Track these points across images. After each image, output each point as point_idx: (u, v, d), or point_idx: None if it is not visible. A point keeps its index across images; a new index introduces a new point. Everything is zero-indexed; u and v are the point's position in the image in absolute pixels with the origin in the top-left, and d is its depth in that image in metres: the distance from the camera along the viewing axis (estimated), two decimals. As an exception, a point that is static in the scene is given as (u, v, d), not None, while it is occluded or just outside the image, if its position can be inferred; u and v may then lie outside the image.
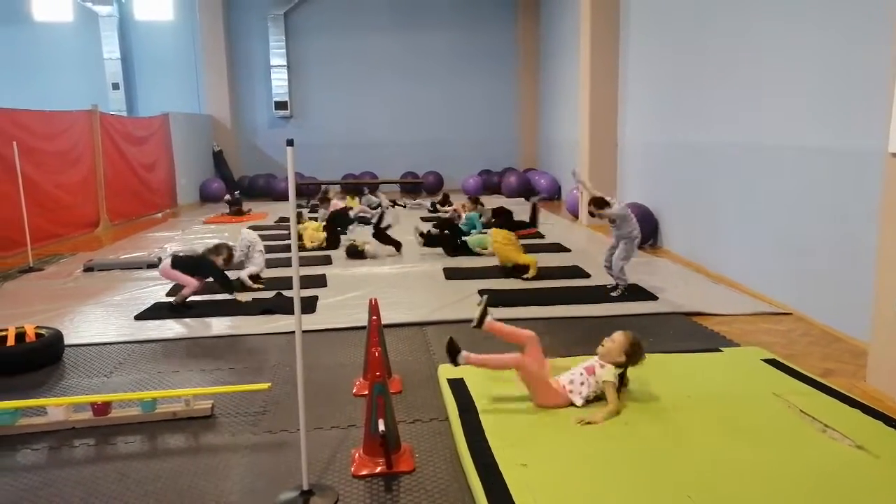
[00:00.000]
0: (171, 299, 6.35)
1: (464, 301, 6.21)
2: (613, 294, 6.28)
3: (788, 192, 5.96)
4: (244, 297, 5.96)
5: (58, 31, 16.77)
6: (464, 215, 10.14)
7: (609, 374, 3.78)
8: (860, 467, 3.11)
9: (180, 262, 6.16)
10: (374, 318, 4.07)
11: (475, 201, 10.82)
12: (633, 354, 3.84)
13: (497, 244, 7.49)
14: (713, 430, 3.49)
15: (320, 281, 7.12)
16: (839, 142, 5.25)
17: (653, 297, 6.24)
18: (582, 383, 3.80)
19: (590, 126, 10.76)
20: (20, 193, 8.15)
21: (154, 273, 7.79)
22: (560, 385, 3.83)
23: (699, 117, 7.84)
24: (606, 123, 10.69)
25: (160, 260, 8.11)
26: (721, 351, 4.76)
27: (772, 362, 4.47)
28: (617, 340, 3.86)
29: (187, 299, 6.12)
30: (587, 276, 7.26)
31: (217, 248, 6.35)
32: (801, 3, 5.76)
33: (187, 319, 5.83)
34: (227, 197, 13.42)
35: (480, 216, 9.97)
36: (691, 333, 5.31)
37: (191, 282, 6.07)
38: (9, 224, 8.65)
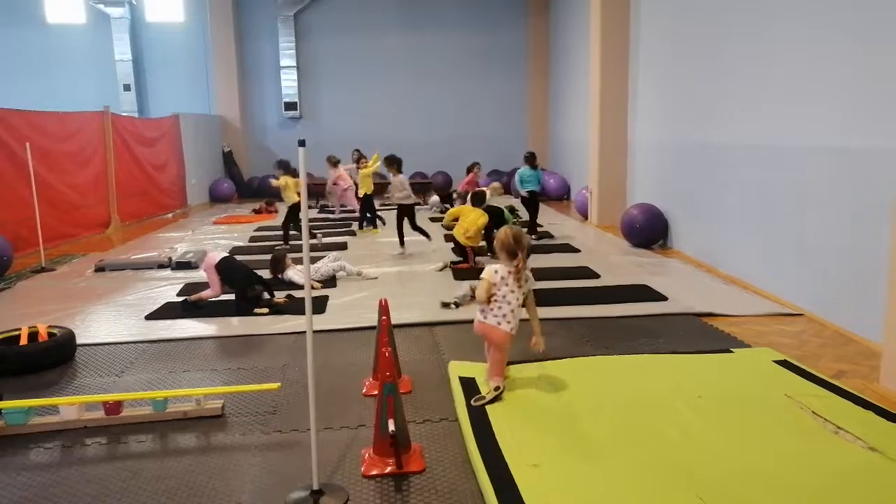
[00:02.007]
0: (181, 299, 6.37)
1: (473, 302, 6.21)
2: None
3: (800, 192, 5.92)
4: (262, 311, 5.97)
5: (70, 33, 16.89)
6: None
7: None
8: (874, 469, 3.08)
9: (227, 267, 6.06)
10: (384, 318, 4.07)
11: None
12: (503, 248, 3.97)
13: (467, 220, 7.57)
14: (724, 431, 3.47)
15: (330, 281, 7.13)
16: (852, 142, 5.21)
17: (663, 298, 6.22)
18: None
19: (600, 126, 10.74)
20: (33, 194, 8.22)
21: (165, 273, 7.85)
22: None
23: (710, 118, 7.80)
24: (617, 123, 10.66)
25: (170, 260, 8.18)
26: (732, 352, 4.73)
27: (783, 363, 4.45)
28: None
29: (201, 300, 6.15)
30: (596, 276, 7.24)
31: (276, 260, 6.78)
32: (816, 2, 5.73)
33: (197, 319, 5.85)
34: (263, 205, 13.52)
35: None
36: (702, 334, 5.28)
37: (216, 289, 6.07)
38: (21, 224, 8.73)
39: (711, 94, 7.75)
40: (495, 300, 3.93)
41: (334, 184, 12.21)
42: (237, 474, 3.24)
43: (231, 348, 5.16)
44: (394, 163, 8.89)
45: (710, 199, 7.76)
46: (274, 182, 9.88)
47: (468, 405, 3.80)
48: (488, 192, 9.92)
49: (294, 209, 9.57)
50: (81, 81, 16.63)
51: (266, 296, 6.15)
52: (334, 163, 12.15)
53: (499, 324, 3.92)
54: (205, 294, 6.11)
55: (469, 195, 8.41)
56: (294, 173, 9.66)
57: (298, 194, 9.76)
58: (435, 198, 13.36)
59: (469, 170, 12.10)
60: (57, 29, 16.83)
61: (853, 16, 5.19)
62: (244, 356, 4.96)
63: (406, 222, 8.76)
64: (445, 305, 6.07)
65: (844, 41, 5.30)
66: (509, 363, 4.33)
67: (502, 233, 4.01)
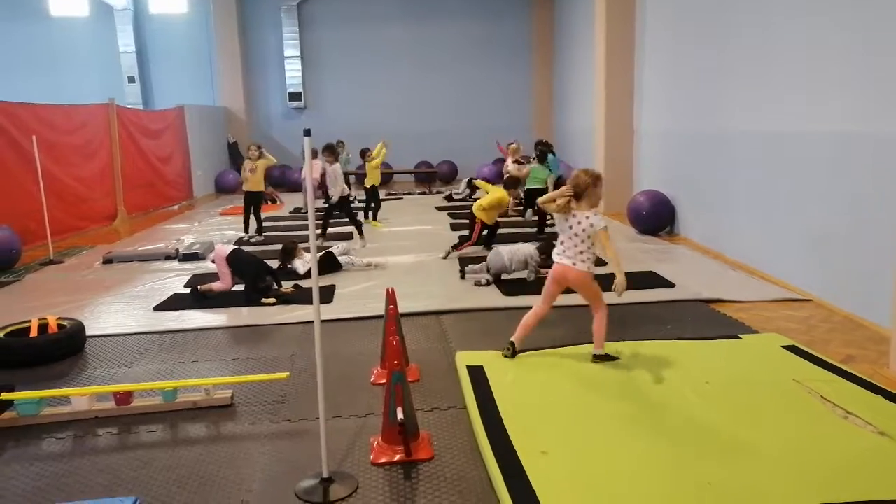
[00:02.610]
0: (190, 289, 6.38)
1: (480, 289, 6.21)
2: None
3: (809, 178, 5.88)
4: (270, 301, 6.00)
5: (74, 26, 16.88)
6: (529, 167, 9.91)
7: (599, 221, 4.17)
8: (883, 453, 3.08)
9: (237, 259, 6.08)
10: (392, 307, 4.08)
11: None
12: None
13: (488, 195, 7.81)
14: (733, 417, 3.47)
15: (337, 268, 7.13)
16: (860, 128, 5.17)
17: (670, 285, 6.20)
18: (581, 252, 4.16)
19: (605, 114, 10.68)
20: (40, 187, 8.25)
21: (172, 264, 7.87)
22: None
23: (716, 105, 7.75)
24: (622, 112, 10.60)
25: (177, 251, 8.20)
26: (740, 338, 4.73)
27: (792, 349, 4.44)
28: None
29: (210, 292, 6.17)
30: (603, 263, 7.21)
31: (286, 251, 6.76)
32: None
33: (206, 310, 5.87)
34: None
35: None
36: (710, 320, 5.27)
37: (227, 282, 6.08)
38: (29, 217, 8.76)
39: (717, 80, 7.69)
40: (562, 242, 4.21)
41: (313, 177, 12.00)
42: (247, 463, 3.26)
43: (239, 338, 5.18)
44: (331, 152, 8.78)
45: (717, 186, 7.72)
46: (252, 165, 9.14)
47: (475, 386, 3.81)
48: (509, 159, 10.71)
49: (254, 198, 9.18)
50: (86, 74, 16.64)
51: (274, 286, 6.17)
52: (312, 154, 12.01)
53: (574, 264, 4.18)
54: (215, 286, 6.11)
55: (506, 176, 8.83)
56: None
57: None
58: (464, 182, 13.68)
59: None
60: (60, 22, 16.82)
61: (858, 5, 5.14)
62: (253, 346, 4.98)
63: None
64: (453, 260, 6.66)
65: (850, 26, 5.24)
66: (521, 351, 4.35)
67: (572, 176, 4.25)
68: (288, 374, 4.12)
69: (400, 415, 3.15)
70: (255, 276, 6.08)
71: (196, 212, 12.81)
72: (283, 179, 16.18)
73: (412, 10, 16.86)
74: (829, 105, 5.56)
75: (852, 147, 5.26)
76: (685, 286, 6.16)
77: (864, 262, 5.15)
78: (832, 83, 5.50)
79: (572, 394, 3.81)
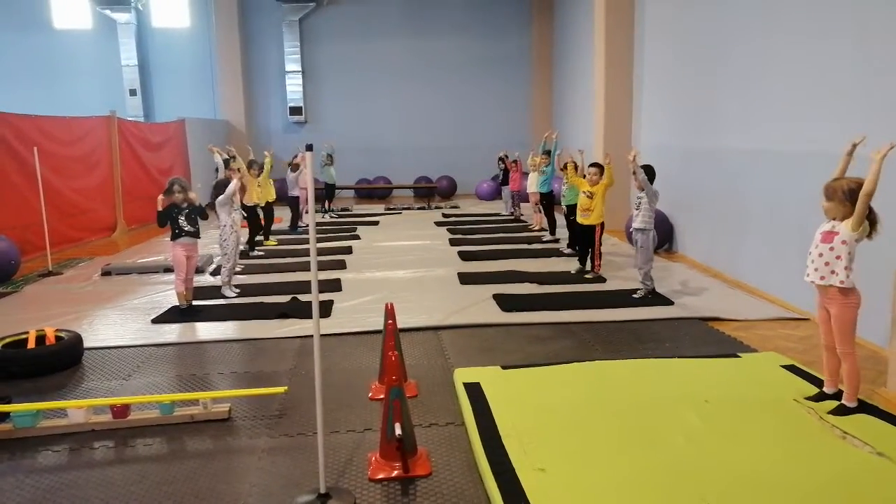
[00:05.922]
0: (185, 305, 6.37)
1: (479, 305, 6.21)
2: (634, 296, 6.40)
3: (806, 197, 5.90)
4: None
5: (77, 39, 16.98)
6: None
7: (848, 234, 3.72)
8: (880, 474, 3.07)
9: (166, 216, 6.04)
10: (390, 322, 4.09)
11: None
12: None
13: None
14: (731, 436, 3.47)
15: (335, 285, 7.14)
16: (860, 148, 5.19)
17: (669, 302, 6.21)
18: (826, 263, 3.83)
19: (604, 131, 10.73)
20: (40, 198, 8.26)
21: (170, 277, 7.83)
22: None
23: (715, 123, 7.80)
24: (621, 128, 10.65)
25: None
26: (738, 356, 4.72)
27: (790, 368, 4.44)
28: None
29: (187, 293, 6.12)
30: (602, 280, 7.24)
31: (169, 187, 6.10)
32: (818, 11, 5.73)
33: (204, 323, 5.87)
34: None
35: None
36: (708, 339, 5.27)
37: (180, 271, 6.02)
38: (29, 228, 8.76)
39: (716, 98, 7.75)
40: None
41: (303, 188, 11.46)
42: (244, 478, 3.25)
43: (238, 352, 5.17)
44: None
45: (715, 204, 7.75)
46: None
47: (473, 402, 3.80)
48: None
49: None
50: (88, 86, 16.71)
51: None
52: (296, 166, 11.51)
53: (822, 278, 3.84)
54: (176, 288, 6.09)
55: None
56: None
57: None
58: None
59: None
60: (64, 34, 16.92)
61: (861, 21, 5.19)
62: (251, 360, 4.97)
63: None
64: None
65: (848, 44, 5.29)
66: (514, 367, 4.34)
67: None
68: (286, 388, 4.11)
69: (398, 430, 3.15)
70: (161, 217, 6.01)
71: (195, 224, 12.78)
72: (282, 194, 16.18)
73: (413, 25, 16.99)
74: (828, 124, 5.59)
75: (853, 167, 5.28)
76: (683, 304, 6.16)
77: (863, 281, 5.15)
78: (831, 102, 5.54)
79: (570, 411, 3.80)
